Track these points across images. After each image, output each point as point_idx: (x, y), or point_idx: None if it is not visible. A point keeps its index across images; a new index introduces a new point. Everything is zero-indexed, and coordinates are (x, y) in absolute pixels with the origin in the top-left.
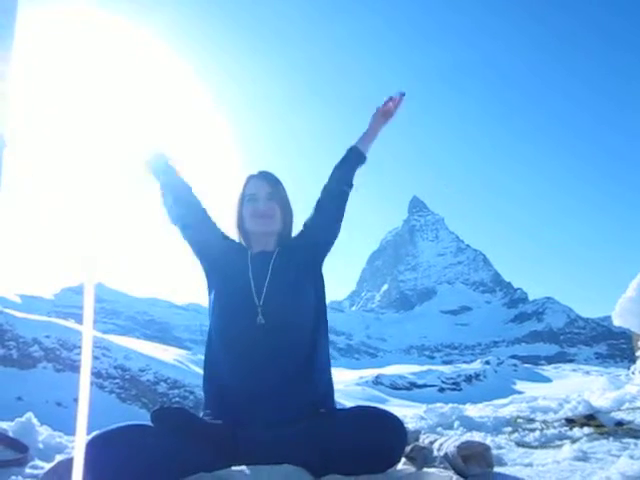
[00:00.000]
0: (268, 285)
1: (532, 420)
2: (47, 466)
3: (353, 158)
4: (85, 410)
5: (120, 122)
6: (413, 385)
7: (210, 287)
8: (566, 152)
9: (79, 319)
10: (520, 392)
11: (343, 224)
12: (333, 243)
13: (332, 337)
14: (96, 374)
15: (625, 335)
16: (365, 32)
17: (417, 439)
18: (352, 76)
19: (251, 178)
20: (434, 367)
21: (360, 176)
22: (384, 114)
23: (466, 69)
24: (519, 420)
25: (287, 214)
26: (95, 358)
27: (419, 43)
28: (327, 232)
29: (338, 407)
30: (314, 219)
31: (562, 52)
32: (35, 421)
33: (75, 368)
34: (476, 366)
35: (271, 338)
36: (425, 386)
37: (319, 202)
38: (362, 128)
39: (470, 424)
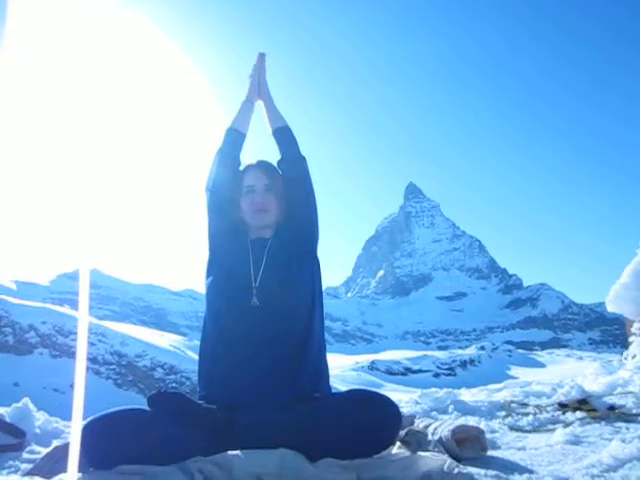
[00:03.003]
0: (264, 268)
1: (525, 405)
2: (44, 451)
3: (283, 138)
4: (81, 395)
5: (117, 108)
6: (408, 370)
7: (209, 270)
8: (561, 138)
9: (75, 305)
10: (514, 377)
11: (339, 211)
12: (316, 216)
13: (328, 323)
14: (92, 360)
15: (618, 321)
16: (364, 21)
17: (412, 423)
18: (350, 66)
19: (249, 169)
20: (429, 352)
21: (356, 163)
22: (258, 85)
23: (465, 58)
24: (513, 405)
25: (284, 205)
26: (91, 344)
27: (418, 32)
28: (307, 211)
29: (333, 391)
30: (294, 209)
31: (560, 41)
32: (32, 406)
33: (71, 354)
34: (471, 352)
35: (266, 321)
36: (420, 371)
37: (289, 193)
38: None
39: (464, 408)
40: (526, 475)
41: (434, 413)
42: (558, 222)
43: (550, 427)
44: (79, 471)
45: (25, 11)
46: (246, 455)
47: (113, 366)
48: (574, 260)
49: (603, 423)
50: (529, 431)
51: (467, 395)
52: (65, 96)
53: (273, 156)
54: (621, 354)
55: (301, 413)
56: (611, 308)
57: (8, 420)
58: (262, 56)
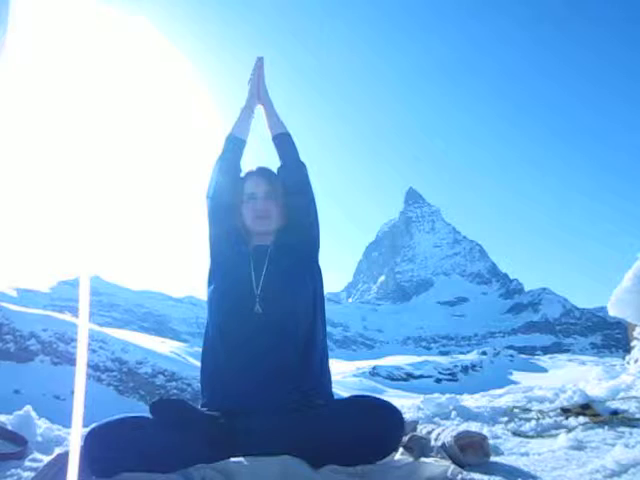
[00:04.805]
0: (265, 275)
1: (528, 410)
2: (46, 459)
3: (283, 144)
4: (81, 402)
5: (116, 111)
6: (410, 376)
7: (211, 278)
8: (561, 143)
9: (76, 312)
10: (516, 382)
11: (340, 217)
12: (317, 222)
13: (329, 329)
14: (93, 367)
15: (620, 325)
16: (365, 27)
17: (414, 429)
18: (350, 71)
19: (250, 175)
20: (431, 358)
21: (357, 168)
22: (258, 90)
23: (466, 63)
24: (515, 410)
25: (284, 211)
26: (92, 351)
27: (419, 37)
28: (308, 218)
29: (335, 398)
30: (294, 216)
31: (561, 45)
32: (34, 414)
33: (72, 361)
34: (472, 357)
35: (268, 328)
36: (422, 377)
37: (290, 199)
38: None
39: (467, 414)
40: None
41: (436, 419)
42: (559, 226)
43: (553, 432)
44: (81, 479)
45: (26, 13)
46: (249, 462)
47: (114, 373)
48: (575, 264)
49: (606, 428)
50: (532, 436)
51: (469, 401)
52: (66, 103)
53: (274, 162)
54: (623, 358)
55: (304, 419)
56: (613, 312)
57: (10, 428)
58: (261, 60)
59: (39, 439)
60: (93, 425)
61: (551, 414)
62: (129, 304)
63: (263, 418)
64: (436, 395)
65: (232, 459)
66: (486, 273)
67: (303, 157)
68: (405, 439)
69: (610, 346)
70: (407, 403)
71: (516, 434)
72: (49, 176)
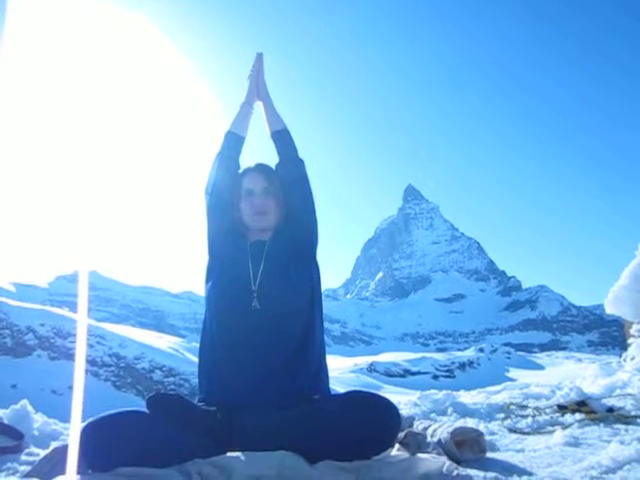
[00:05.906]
0: (263, 271)
1: (524, 407)
2: (42, 453)
3: (281, 141)
4: (80, 397)
5: (114, 108)
6: (407, 372)
7: (209, 273)
8: (559, 140)
9: (73, 307)
10: (513, 379)
11: (338, 213)
12: (315, 219)
13: (327, 325)
14: (91, 362)
15: (617, 323)
16: (364, 24)
17: (411, 425)
18: (349, 68)
19: (248, 172)
20: (428, 354)
21: (355, 165)
22: (257, 87)
23: (464, 60)
24: (512, 407)
25: (283, 208)
26: (90, 346)
27: (418, 34)
28: (306, 214)
29: (332, 393)
30: (292, 212)
31: (559, 42)
32: (30, 408)
33: (69, 356)
34: (470, 353)
35: (266, 323)
36: (419, 373)
37: (288, 196)
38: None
39: (463, 410)
40: (525, 477)
41: (433, 415)
42: (557, 224)
43: (549, 429)
44: (78, 473)
45: (24, 11)
46: (245, 457)
47: (112, 368)
48: (573, 262)
49: (602, 425)
50: (528, 433)
51: (466, 397)
52: (64, 97)
53: (272, 158)
54: (620, 356)
55: (301, 415)
56: (610, 310)
57: (6, 422)
58: (260, 57)
59: (35, 433)
60: (89, 419)
61: (547, 411)
62: (127, 299)
63: (260, 413)
64: (433, 391)
65: (229, 454)
66: (484, 270)
67: (301, 153)
68: (401, 435)
69: (607, 344)
70: (404, 399)
71: (512, 430)
72: (47, 171)
